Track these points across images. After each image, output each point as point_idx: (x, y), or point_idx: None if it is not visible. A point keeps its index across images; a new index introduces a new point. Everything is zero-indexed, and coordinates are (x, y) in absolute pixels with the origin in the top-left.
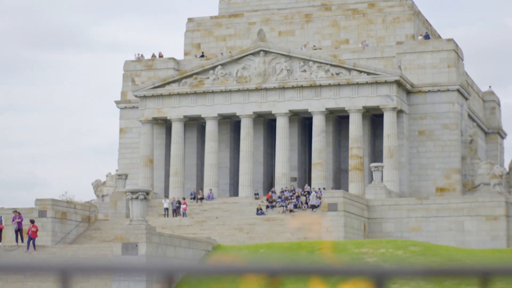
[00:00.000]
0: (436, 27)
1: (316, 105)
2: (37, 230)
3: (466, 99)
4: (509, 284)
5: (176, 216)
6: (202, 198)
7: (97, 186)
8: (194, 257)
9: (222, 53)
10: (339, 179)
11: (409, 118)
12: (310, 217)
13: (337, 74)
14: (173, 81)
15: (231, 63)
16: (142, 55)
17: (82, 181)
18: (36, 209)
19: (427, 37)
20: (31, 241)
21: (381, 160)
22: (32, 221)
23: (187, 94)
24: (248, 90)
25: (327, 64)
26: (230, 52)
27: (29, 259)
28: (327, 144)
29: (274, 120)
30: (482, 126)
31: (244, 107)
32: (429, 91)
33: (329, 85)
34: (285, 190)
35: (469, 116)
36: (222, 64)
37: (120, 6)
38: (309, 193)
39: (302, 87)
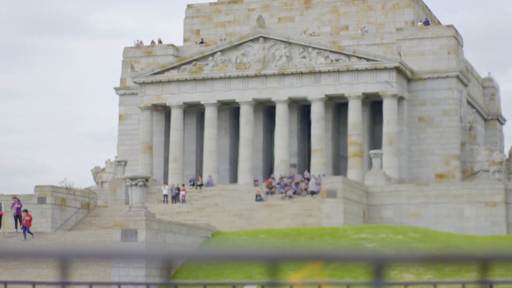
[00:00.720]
0: (435, 13)
1: (316, 91)
2: (31, 219)
3: (466, 85)
4: (508, 270)
5: (175, 202)
6: (201, 185)
7: (97, 172)
8: (194, 244)
9: (221, 40)
10: (339, 166)
11: (408, 105)
12: (310, 203)
13: (337, 60)
14: (173, 68)
15: (230, 49)
16: (141, 42)
17: (81, 168)
18: (35, 195)
19: (426, 23)
20: (26, 230)
21: (380, 147)
22: (25, 210)
23: (186, 80)
24: (247, 76)
25: (326, 50)
26: (229, 38)
27: (29, 246)
28: (326, 131)
29: (274, 107)
30: (481, 113)
31: (244, 94)
32: (428, 77)
33: (329, 72)
34: (285, 177)
35: (469, 102)
36: (221, 51)
37: None
38: (308, 179)
39: (301, 73)
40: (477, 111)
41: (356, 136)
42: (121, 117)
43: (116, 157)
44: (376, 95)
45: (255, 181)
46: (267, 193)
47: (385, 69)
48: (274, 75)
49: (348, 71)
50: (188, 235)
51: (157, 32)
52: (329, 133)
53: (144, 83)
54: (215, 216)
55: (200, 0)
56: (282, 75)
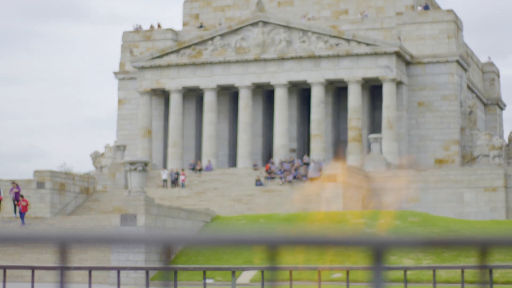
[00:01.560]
0: None
1: (315, 76)
2: (27, 204)
3: (466, 70)
4: (507, 255)
5: (174, 187)
6: (201, 169)
7: (96, 157)
8: (193, 228)
9: (220, 24)
10: (338, 150)
11: (408, 90)
12: (309, 188)
13: (336, 45)
14: (172, 52)
15: (230, 34)
16: (140, 26)
17: (80, 153)
18: (34, 180)
19: (426, 7)
20: (22, 215)
21: (380, 132)
22: (21, 196)
23: (185, 65)
24: (246, 61)
25: (326, 35)
26: (229, 23)
27: (27, 231)
28: (326, 115)
29: (273, 92)
30: (481, 97)
31: (243, 78)
32: (428, 62)
33: (328, 56)
34: (284, 162)
35: (468, 87)
36: (220, 35)
37: None
38: (307, 164)
39: (301, 58)
40: (477, 96)
41: (356, 121)
42: (120, 101)
43: (115, 142)
44: (375, 79)
45: (254, 165)
46: (267, 178)
47: (385, 53)
48: (273, 59)
49: (347, 55)
50: (188, 219)
51: (156, 17)
52: (329, 118)
53: (143, 68)
54: (214, 201)
55: None
56: (282, 59)
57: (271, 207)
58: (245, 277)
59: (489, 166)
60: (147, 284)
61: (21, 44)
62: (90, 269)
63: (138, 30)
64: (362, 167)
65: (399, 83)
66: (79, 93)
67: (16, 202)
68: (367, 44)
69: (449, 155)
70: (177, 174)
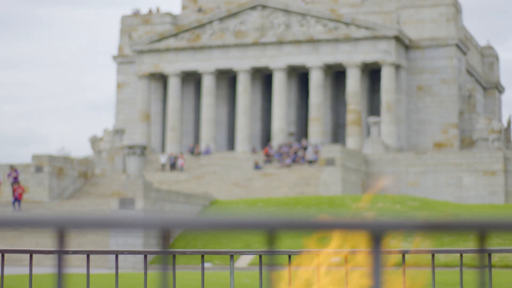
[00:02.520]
0: None
1: (314, 60)
2: (23, 191)
3: (465, 54)
4: (506, 239)
5: (173, 171)
6: (199, 153)
7: (94, 141)
8: (192, 212)
9: (219, 8)
10: (337, 134)
11: (407, 73)
12: (308, 172)
13: (335, 29)
14: (170, 36)
15: (228, 17)
16: (139, 10)
17: (79, 137)
18: (32, 165)
19: None
20: (17, 201)
21: (379, 116)
22: (17, 183)
23: (184, 49)
24: (245, 45)
25: (325, 18)
26: (227, 6)
27: (26, 215)
28: (325, 99)
29: (272, 75)
30: (480, 81)
31: (242, 62)
32: (427, 46)
33: (327, 40)
34: (283, 145)
35: (468, 71)
36: (219, 19)
37: None
38: (306, 148)
39: (300, 42)
40: (476, 79)
41: (354, 105)
42: (119, 85)
43: (114, 126)
44: (374, 63)
45: (253, 149)
46: (265, 161)
47: (384, 37)
48: (272, 43)
49: (346, 39)
50: (186, 203)
51: (155, 0)
52: (327, 102)
53: (141, 52)
54: (213, 185)
55: None
56: (281, 43)
57: (269, 191)
58: (244, 261)
59: (488, 149)
60: (146, 268)
61: (19, 28)
62: (88, 253)
63: (136, 14)
64: (361, 150)
65: (398, 67)
66: (78, 77)
67: (16, 184)
68: (366, 28)
69: (448, 139)
70: (176, 158)
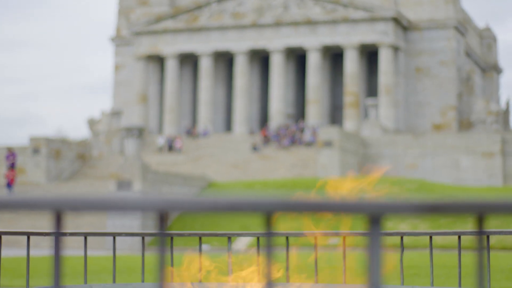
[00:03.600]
0: None
1: (312, 41)
2: (14, 175)
3: (463, 35)
4: (504, 221)
5: (171, 153)
6: (197, 135)
7: (92, 123)
8: (189, 194)
9: None
10: (335, 116)
11: (405, 55)
12: (306, 154)
13: (333, 10)
14: (168, 17)
15: None
16: None
17: (76, 118)
18: (30, 147)
19: None
20: (9, 187)
21: (377, 98)
22: (12, 166)
23: (182, 30)
24: (243, 26)
25: (323, 0)
26: None
27: (22, 196)
28: (323, 81)
29: (270, 57)
30: (478, 63)
31: (239, 43)
32: (426, 27)
33: (325, 22)
34: (282, 128)
35: (466, 53)
36: (217, 0)
37: None
38: (303, 130)
39: (297, 23)
40: (475, 61)
41: (352, 87)
42: (116, 67)
43: (111, 107)
44: (373, 45)
45: (250, 131)
46: (263, 143)
47: (382, 19)
48: (270, 25)
49: (344, 21)
50: (184, 185)
51: None
52: (325, 84)
53: (139, 33)
54: (210, 167)
55: None
56: (279, 24)
57: (267, 173)
58: (241, 243)
59: (486, 131)
60: (143, 250)
61: (16, 10)
62: (85, 235)
63: None
64: (358, 133)
65: (396, 49)
66: (75, 58)
67: (11, 168)
68: (364, 9)
69: (447, 121)
70: (174, 139)
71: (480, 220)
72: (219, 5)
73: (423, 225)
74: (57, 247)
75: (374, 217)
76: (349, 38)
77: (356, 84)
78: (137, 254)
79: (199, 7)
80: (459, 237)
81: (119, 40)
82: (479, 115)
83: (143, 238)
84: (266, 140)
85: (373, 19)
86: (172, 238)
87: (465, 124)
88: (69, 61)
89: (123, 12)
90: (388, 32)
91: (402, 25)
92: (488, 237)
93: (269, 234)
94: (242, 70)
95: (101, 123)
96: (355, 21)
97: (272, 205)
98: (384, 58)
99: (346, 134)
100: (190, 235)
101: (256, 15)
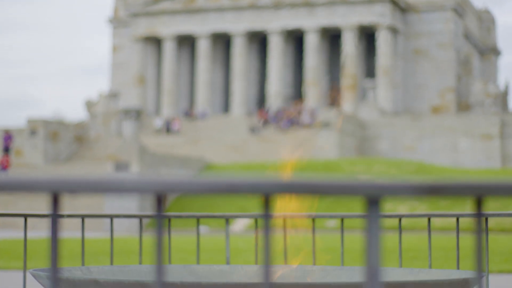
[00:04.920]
0: None
1: (310, 23)
2: (9, 161)
3: (462, 17)
4: (503, 203)
5: (169, 135)
6: (195, 117)
7: (89, 105)
8: (187, 176)
9: None
10: (333, 98)
11: (404, 37)
12: (304, 135)
13: None
14: None
15: None
16: None
17: (74, 100)
18: (27, 129)
19: None
20: (3, 171)
21: (375, 80)
22: (6, 150)
23: (179, 12)
24: (241, 7)
25: None
26: None
27: (19, 177)
28: (321, 63)
29: (268, 39)
30: (477, 45)
31: (237, 25)
32: (424, 9)
33: (323, 3)
34: (281, 109)
35: (465, 35)
36: None
37: None
38: (302, 111)
39: (296, 4)
40: (473, 43)
41: (351, 68)
42: (114, 49)
43: (109, 89)
44: (371, 27)
45: (249, 113)
46: (261, 125)
47: (380, 0)
48: (268, 6)
49: (343, 2)
50: (182, 167)
51: None
52: (323, 65)
53: (137, 15)
54: (208, 149)
55: None
56: (277, 6)
57: (265, 154)
58: (239, 224)
59: (485, 114)
60: (141, 231)
61: None
62: (83, 217)
63: None
64: (356, 114)
65: (394, 31)
66: (73, 40)
67: (5, 153)
68: None
69: (445, 103)
70: (171, 121)
71: (479, 202)
72: None
73: (421, 207)
74: (54, 229)
75: (372, 198)
76: (347, 20)
77: (354, 66)
78: (134, 236)
79: None
80: (458, 219)
81: (116, 22)
82: (477, 97)
83: (140, 220)
84: (265, 121)
85: (371, 1)
86: (169, 220)
87: (463, 106)
88: (67, 43)
89: None
90: (386, 14)
91: (400, 7)
92: (486, 219)
93: (267, 215)
94: (240, 52)
95: (99, 105)
96: (353, 2)
97: (270, 186)
98: (382, 40)
99: (344, 116)
100: (188, 217)
101: None
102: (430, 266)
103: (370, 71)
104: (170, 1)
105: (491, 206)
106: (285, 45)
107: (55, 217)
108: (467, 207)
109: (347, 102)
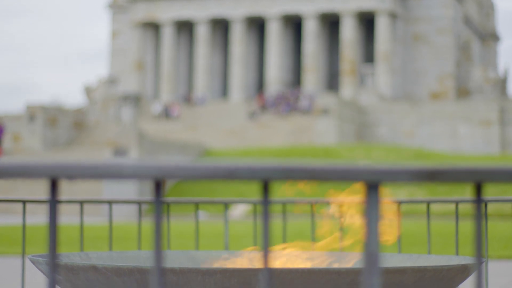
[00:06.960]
0: None
1: (309, 8)
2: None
3: (461, 3)
4: (503, 189)
5: (168, 120)
6: (194, 102)
7: (88, 91)
8: (186, 162)
9: None
10: (332, 84)
11: (403, 23)
12: (303, 122)
13: None
14: None
15: None
16: None
17: (72, 86)
18: (26, 115)
19: None
20: None
21: (374, 65)
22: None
23: None
24: None
25: None
26: None
27: (18, 163)
28: (320, 48)
29: (267, 24)
30: (477, 31)
31: (236, 10)
32: None
33: None
34: (280, 95)
35: (464, 20)
36: None
37: None
38: (300, 97)
39: None
40: (473, 29)
41: (349, 54)
42: (113, 34)
43: (108, 75)
44: (370, 12)
45: (247, 98)
46: (260, 110)
47: None
48: None
49: None
50: (181, 153)
51: None
52: (322, 51)
53: (136, 0)
54: (207, 134)
55: None
56: None
57: (264, 140)
58: (238, 210)
59: (484, 99)
60: (140, 217)
61: None
62: (81, 202)
63: None
64: (355, 100)
65: (393, 16)
66: (72, 26)
67: None
68: None
69: (444, 88)
70: (171, 107)
71: (478, 188)
72: None
73: (420, 192)
74: (53, 214)
75: (372, 184)
76: (346, 5)
77: (353, 51)
78: (133, 222)
79: None
80: (457, 205)
81: (115, 7)
82: (477, 83)
83: (139, 206)
84: (263, 107)
85: None
86: (168, 206)
87: (462, 92)
88: (66, 28)
89: None
90: None
91: None
92: (486, 205)
93: (266, 201)
94: (239, 37)
95: (98, 91)
96: None
97: (269, 171)
98: (382, 25)
99: (343, 102)
100: (186, 202)
101: None
102: (429, 252)
103: (369, 56)
104: None
105: (490, 191)
106: (284, 31)
107: (53, 202)
108: (466, 192)
109: (346, 88)
